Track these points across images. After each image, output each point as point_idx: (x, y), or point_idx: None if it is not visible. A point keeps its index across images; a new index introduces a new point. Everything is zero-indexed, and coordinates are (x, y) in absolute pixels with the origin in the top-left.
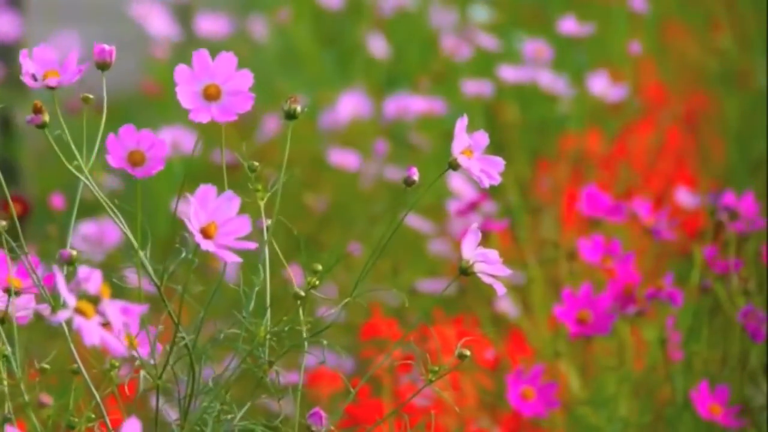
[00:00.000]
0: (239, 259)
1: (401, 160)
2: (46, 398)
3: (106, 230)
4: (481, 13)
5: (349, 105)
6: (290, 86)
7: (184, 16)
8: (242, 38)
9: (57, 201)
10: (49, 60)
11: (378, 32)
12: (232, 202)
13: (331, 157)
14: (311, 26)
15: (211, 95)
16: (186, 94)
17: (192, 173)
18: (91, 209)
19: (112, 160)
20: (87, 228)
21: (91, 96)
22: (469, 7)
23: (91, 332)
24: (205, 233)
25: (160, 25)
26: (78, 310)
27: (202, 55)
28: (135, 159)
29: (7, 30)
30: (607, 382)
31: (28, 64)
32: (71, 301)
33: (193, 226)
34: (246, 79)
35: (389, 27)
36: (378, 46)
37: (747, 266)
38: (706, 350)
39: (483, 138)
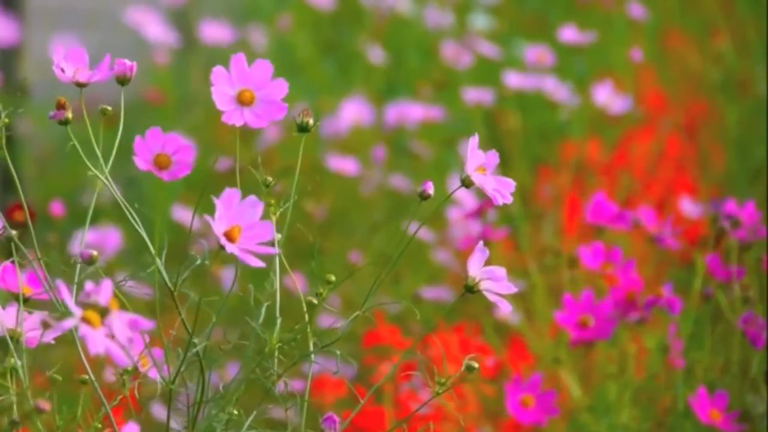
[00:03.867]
0: (263, 264)
1: (402, 168)
2: (44, 404)
3: (106, 238)
4: (481, 21)
5: (350, 112)
6: (290, 93)
7: (182, 22)
8: (242, 45)
9: (58, 208)
10: (82, 61)
11: (378, 39)
12: (255, 207)
13: (331, 163)
14: (311, 33)
15: (245, 100)
16: (221, 96)
17: (192, 180)
18: (93, 216)
19: (139, 162)
20: (88, 236)
21: (109, 108)
22: (469, 14)
23: (96, 341)
24: (229, 237)
25: (157, 31)
26: (84, 319)
27: (239, 59)
28: (161, 162)
29: (5, 37)
30: (608, 390)
31: (60, 59)
32: (77, 310)
33: (218, 228)
34: (281, 88)
35: (389, 34)
36: (377, 53)
37: (748, 274)
38: (708, 358)
39: (494, 157)
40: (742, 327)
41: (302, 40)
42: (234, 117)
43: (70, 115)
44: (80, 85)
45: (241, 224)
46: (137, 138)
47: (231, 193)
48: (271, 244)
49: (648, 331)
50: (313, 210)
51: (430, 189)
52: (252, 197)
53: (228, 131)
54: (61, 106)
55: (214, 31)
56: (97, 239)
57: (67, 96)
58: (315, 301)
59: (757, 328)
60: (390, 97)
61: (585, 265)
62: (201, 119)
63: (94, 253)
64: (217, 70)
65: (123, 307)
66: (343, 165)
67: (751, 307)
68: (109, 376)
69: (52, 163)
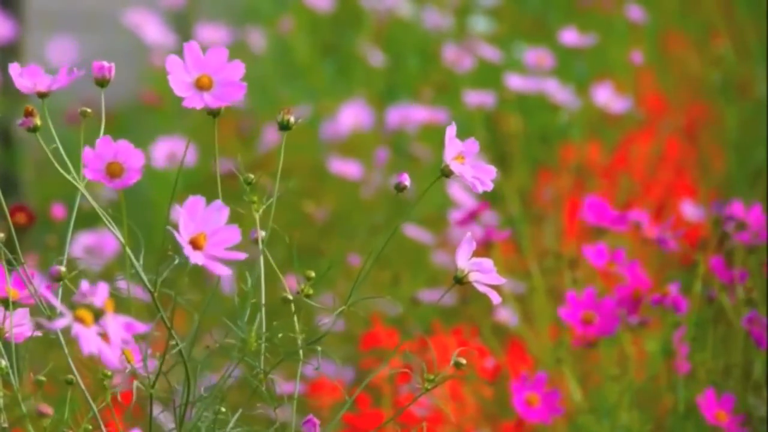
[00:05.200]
0: (229, 271)
1: (402, 170)
2: (46, 408)
3: (104, 240)
4: (481, 24)
5: (350, 115)
6: (290, 96)
7: (181, 25)
8: (241, 48)
9: (57, 211)
10: (38, 74)
11: (378, 42)
12: (221, 212)
13: (332, 166)
14: (310, 36)
15: (203, 85)
16: (178, 84)
17: (191, 183)
18: (91, 219)
19: (88, 173)
20: (86, 238)
21: (89, 110)
22: (469, 17)
23: (89, 340)
24: (195, 244)
25: (155, 33)
26: (77, 318)
27: (192, 47)
28: (113, 170)
29: (4, 39)
30: (608, 392)
31: (17, 72)
32: (66, 310)
33: (182, 237)
34: (237, 69)
35: (389, 36)
36: (377, 56)
37: (751, 277)
38: (710, 360)
39: (473, 145)
40: (746, 327)
41: (302, 42)
42: (193, 101)
43: (38, 122)
44: (42, 95)
45: (207, 230)
46: (86, 149)
47: (195, 200)
48: (246, 248)
49: (649, 334)
50: (314, 212)
51: (406, 180)
52: (217, 202)
53: (227, 133)
54: (29, 114)
55: (210, 33)
56: (95, 242)
57: (63, 99)
58: (290, 297)
59: (760, 328)
60: (390, 100)
61: (587, 266)
62: (199, 121)
63: (62, 269)
64: (172, 59)
65: (117, 309)
66: (345, 168)
67: (754, 308)
68: (97, 376)
69: (51, 166)
